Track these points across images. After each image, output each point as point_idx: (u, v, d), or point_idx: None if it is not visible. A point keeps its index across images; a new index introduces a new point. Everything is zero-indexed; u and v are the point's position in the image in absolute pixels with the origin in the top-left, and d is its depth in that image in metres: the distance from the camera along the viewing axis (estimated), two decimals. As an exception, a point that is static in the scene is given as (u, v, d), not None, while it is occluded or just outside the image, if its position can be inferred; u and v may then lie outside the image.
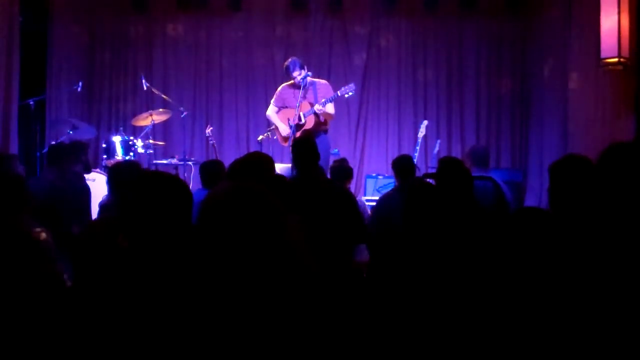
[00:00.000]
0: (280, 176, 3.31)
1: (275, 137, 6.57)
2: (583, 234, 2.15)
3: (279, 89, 6.33)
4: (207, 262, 1.82)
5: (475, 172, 4.19)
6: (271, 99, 6.52)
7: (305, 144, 3.86)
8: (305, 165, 3.78)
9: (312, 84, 6.13)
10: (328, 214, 3.51)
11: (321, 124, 6.06)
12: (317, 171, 3.89)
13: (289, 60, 6.13)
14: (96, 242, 2.33)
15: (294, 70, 6.03)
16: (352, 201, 3.80)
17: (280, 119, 6.25)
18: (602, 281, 1.99)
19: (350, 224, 3.62)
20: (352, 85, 6.07)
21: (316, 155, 3.82)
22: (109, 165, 6.78)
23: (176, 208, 1.86)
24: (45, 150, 6.81)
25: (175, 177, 2.08)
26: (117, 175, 3.31)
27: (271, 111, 6.33)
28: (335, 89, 6.22)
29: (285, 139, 6.13)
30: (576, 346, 1.92)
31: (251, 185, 1.82)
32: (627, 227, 2.10)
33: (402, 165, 4.46)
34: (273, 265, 1.82)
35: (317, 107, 5.90)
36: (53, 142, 6.33)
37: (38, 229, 2.76)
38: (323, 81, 6.33)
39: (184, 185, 1.97)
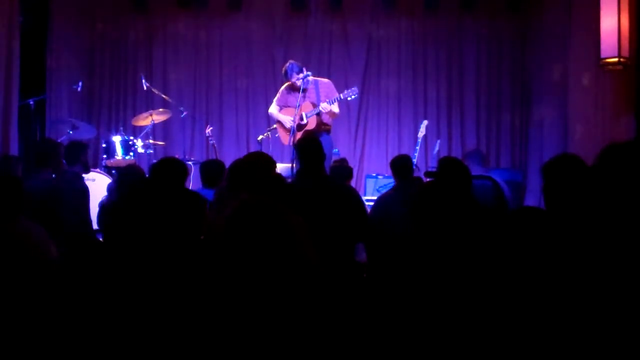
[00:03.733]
0: (278, 175, 3.31)
1: (277, 135, 6.55)
2: (580, 233, 2.15)
3: (281, 89, 6.31)
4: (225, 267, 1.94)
5: (474, 172, 4.19)
6: (271, 98, 6.51)
7: (311, 143, 3.83)
8: (311, 164, 3.75)
9: (315, 82, 6.10)
10: (335, 213, 3.51)
11: (323, 124, 6.04)
12: (323, 170, 3.87)
13: (287, 64, 6.10)
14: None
15: (291, 75, 6.01)
16: (358, 199, 3.79)
17: (282, 115, 6.22)
18: (600, 279, 1.99)
19: (355, 222, 3.61)
20: (355, 89, 6.04)
21: (322, 155, 3.80)
22: (109, 164, 6.79)
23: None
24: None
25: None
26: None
27: (273, 109, 6.31)
28: (336, 89, 6.21)
29: (288, 134, 6.08)
30: (574, 344, 1.92)
31: (263, 200, 2.10)
32: (626, 226, 2.10)
33: (401, 165, 4.45)
34: (282, 270, 1.96)
35: (323, 106, 5.86)
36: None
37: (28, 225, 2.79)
38: (325, 80, 6.30)
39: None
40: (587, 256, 2.03)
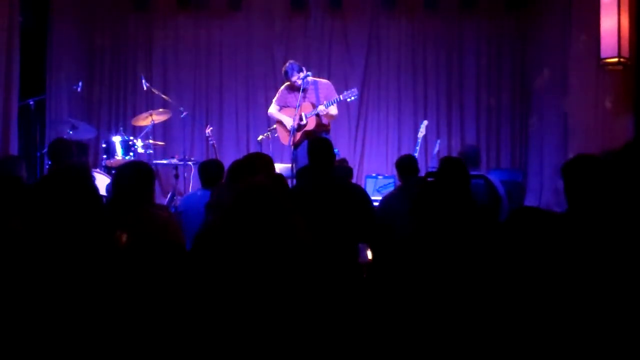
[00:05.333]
0: (279, 175, 3.31)
1: (276, 135, 6.54)
2: (605, 232, 2.16)
3: (281, 88, 6.31)
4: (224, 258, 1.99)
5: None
6: (271, 98, 6.50)
7: (323, 144, 3.83)
8: (321, 163, 3.74)
9: (314, 83, 6.10)
10: (344, 212, 3.51)
11: (322, 125, 6.04)
12: (333, 170, 3.88)
13: (287, 64, 6.10)
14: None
15: (292, 74, 6.01)
16: (367, 199, 3.79)
17: (284, 115, 6.21)
18: (621, 280, 1.99)
19: (363, 222, 3.61)
20: (354, 90, 6.03)
21: (333, 155, 3.81)
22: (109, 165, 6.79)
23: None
24: (45, 150, 6.82)
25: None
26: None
27: (273, 109, 6.31)
28: (336, 89, 6.21)
29: (288, 134, 6.06)
30: (580, 345, 1.92)
31: (263, 184, 2.16)
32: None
33: (406, 165, 4.46)
34: (281, 259, 1.99)
35: (320, 109, 5.87)
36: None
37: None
38: (325, 80, 6.30)
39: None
40: (613, 255, 2.03)
